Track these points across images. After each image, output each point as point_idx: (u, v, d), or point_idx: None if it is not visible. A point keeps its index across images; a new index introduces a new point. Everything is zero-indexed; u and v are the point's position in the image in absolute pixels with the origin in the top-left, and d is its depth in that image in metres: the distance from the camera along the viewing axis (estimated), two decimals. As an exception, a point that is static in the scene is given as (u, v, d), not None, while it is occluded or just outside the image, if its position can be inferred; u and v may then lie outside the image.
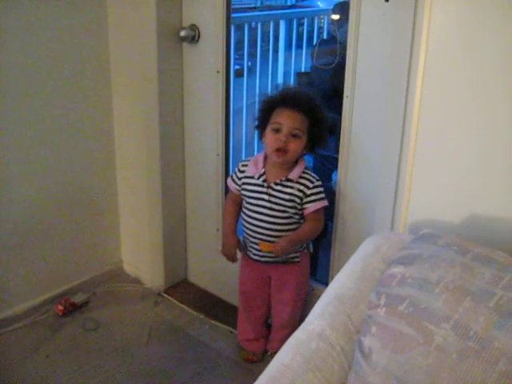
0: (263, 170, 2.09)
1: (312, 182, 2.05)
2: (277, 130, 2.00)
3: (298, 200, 2.04)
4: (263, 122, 2.08)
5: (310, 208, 2.05)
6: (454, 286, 1.19)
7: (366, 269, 1.43)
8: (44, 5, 2.27)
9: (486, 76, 1.51)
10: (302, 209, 2.06)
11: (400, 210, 1.77)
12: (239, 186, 2.16)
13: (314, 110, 2.03)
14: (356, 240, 1.89)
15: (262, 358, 2.33)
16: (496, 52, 1.48)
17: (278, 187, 2.05)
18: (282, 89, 2.12)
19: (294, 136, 2.00)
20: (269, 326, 2.36)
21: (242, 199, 2.20)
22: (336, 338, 1.31)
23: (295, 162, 2.07)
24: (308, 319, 1.38)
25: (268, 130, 2.04)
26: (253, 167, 2.12)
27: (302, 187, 2.05)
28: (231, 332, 2.47)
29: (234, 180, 2.19)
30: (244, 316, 2.34)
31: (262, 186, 2.08)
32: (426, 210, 1.72)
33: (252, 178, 2.11)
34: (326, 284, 1.96)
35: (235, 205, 2.23)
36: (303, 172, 2.06)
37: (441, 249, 1.31)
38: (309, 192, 2.04)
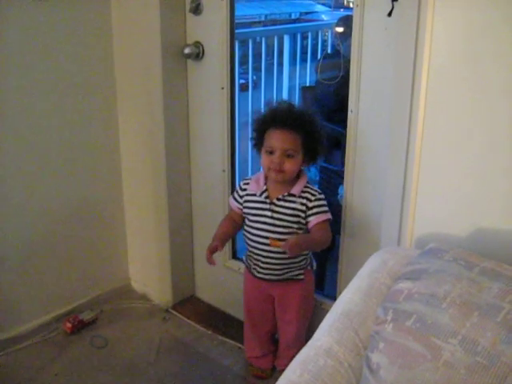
0: (265, 187, 2.09)
1: (314, 195, 2.05)
2: (270, 153, 2.00)
3: (301, 214, 2.04)
4: (259, 141, 2.08)
5: (313, 221, 2.03)
6: (461, 301, 1.19)
7: (373, 284, 1.43)
8: (49, 22, 2.30)
9: (491, 87, 1.51)
10: (306, 223, 2.05)
11: (406, 224, 1.77)
12: (241, 204, 2.16)
13: (306, 125, 2.00)
14: (363, 254, 1.88)
15: (271, 374, 2.32)
16: (501, 62, 1.48)
17: (281, 203, 2.05)
18: (271, 107, 2.09)
19: (288, 156, 1.99)
20: (276, 342, 2.35)
21: (241, 218, 2.20)
22: (344, 355, 1.31)
23: (297, 177, 2.07)
24: (315, 336, 1.38)
25: (263, 152, 2.04)
26: (254, 185, 2.12)
27: (304, 201, 2.04)
28: (239, 348, 2.46)
29: (235, 198, 2.19)
30: (250, 333, 2.34)
31: (265, 202, 2.07)
32: (432, 223, 1.71)
33: (254, 195, 2.11)
34: (334, 299, 1.96)
35: (231, 222, 2.22)
36: (305, 186, 2.06)
37: (447, 263, 1.30)
38: (311, 205, 2.04)
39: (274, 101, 2.16)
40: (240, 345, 2.46)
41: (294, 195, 2.04)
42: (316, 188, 2.09)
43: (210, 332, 2.59)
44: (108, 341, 2.52)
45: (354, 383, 1.28)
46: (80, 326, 2.57)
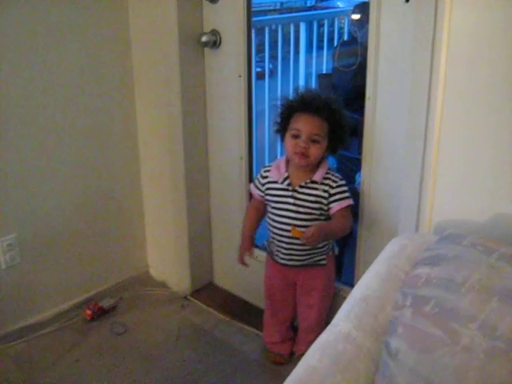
0: (286, 174, 2.09)
1: (335, 182, 2.05)
2: (296, 136, 2.00)
3: (324, 201, 2.04)
4: (283, 126, 2.08)
5: (335, 207, 2.04)
6: (480, 286, 1.19)
7: (391, 270, 1.43)
8: (66, 13, 2.31)
9: (509, 74, 1.50)
10: (328, 209, 2.06)
11: (424, 210, 1.77)
12: (263, 192, 2.16)
13: (333, 113, 2.01)
14: (381, 241, 1.89)
15: (289, 359, 2.33)
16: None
17: (303, 190, 2.05)
18: (300, 92, 2.09)
19: (314, 141, 1.99)
20: (295, 328, 2.37)
21: (264, 206, 2.20)
22: (363, 339, 1.31)
23: (318, 165, 2.07)
24: (334, 321, 1.39)
25: (287, 136, 2.04)
26: (275, 172, 2.12)
27: (326, 187, 2.04)
28: (258, 334, 2.47)
29: (256, 186, 2.19)
30: (270, 319, 2.35)
31: (287, 189, 2.08)
32: (450, 210, 1.71)
33: (276, 182, 2.11)
34: (352, 285, 1.97)
35: (256, 212, 2.24)
36: (326, 173, 2.06)
37: (466, 249, 1.30)
38: (333, 191, 2.04)
39: (302, 87, 2.17)
40: (258, 331, 2.48)
41: (316, 182, 2.05)
42: (337, 174, 2.09)
43: (228, 319, 2.61)
44: (127, 327, 2.54)
45: (372, 368, 1.28)
46: (100, 313, 2.60)
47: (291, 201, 2.06)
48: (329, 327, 1.38)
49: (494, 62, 1.52)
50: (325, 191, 2.04)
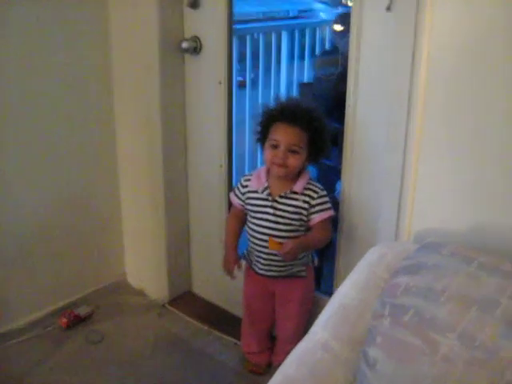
0: (266, 184, 2.07)
1: (317, 193, 2.03)
2: (275, 146, 1.98)
3: (304, 212, 2.03)
4: (263, 135, 2.06)
5: (316, 219, 2.03)
6: (459, 296, 1.18)
7: (370, 278, 1.42)
8: (45, 20, 2.29)
9: (490, 81, 1.50)
10: (308, 220, 2.04)
11: (404, 219, 1.76)
12: (243, 200, 2.15)
13: (313, 123, 1.98)
14: (360, 250, 1.87)
15: (267, 369, 2.31)
16: (501, 56, 1.48)
17: (283, 200, 2.04)
18: (280, 101, 2.07)
19: (293, 152, 1.97)
20: (273, 338, 2.35)
21: (245, 214, 2.18)
22: (340, 349, 1.30)
23: (298, 174, 2.05)
24: (312, 329, 1.38)
25: (267, 146, 2.02)
26: (256, 181, 2.10)
27: (307, 198, 2.03)
28: (236, 344, 2.45)
29: (237, 195, 2.17)
30: (248, 329, 2.33)
31: (267, 199, 2.06)
32: (430, 218, 1.71)
33: (256, 192, 2.09)
34: (331, 295, 1.96)
35: (238, 221, 2.22)
36: (307, 183, 2.05)
37: (445, 258, 1.30)
38: (314, 202, 2.02)
39: (283, 96, 2.15)
40: (236, 340, 2.46)
41: (296, 193, 2.03)
42: (318, 185, 2.07)
43: (205, 327, 2.58)
44: (104, 336, 2.51)
45: (350, 377, 1.27)
46: (76, 321, 2.56)
47: (271, 211, 2.05)
48: (306, 336, 1.37)
49: (476, 71, 1.52)
50: (305, 202, 2.03)
